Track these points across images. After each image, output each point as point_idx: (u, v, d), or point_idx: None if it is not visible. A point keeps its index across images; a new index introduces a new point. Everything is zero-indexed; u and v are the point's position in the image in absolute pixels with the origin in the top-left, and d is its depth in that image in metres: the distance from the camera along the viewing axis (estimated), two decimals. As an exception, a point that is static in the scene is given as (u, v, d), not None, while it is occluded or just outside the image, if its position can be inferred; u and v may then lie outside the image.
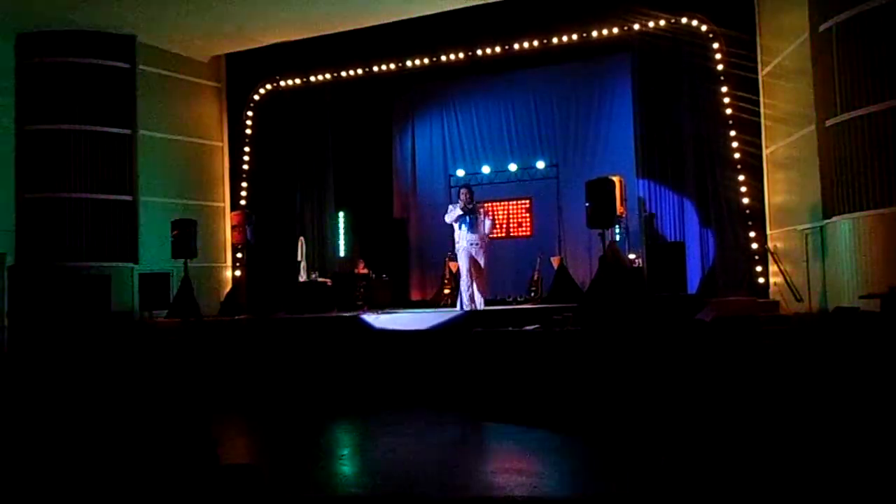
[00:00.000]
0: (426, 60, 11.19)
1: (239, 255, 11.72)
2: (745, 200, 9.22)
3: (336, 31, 10.91)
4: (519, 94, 12.43)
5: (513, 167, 12.18)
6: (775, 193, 9.11)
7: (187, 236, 10.31)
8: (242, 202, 11.91)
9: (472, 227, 9.46)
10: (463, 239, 9.51)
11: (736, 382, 5.74)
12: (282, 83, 12.04)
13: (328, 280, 11.45)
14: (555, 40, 10.39)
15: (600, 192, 8.84)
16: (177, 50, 11.47)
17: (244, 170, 12.05)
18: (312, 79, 11.86)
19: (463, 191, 9.62)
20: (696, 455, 5.14)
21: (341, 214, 12.74)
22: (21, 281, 9.86)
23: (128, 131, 10.71)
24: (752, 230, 9.18)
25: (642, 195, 10.39)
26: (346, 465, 5.47)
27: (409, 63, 11.26)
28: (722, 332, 6.24)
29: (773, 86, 9.00)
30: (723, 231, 9.49)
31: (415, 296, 12.82)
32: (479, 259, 9.49)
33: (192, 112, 11.88)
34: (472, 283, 9.49)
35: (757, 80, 9.23)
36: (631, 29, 9.98)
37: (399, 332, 8.71)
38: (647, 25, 9.88)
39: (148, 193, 10.88)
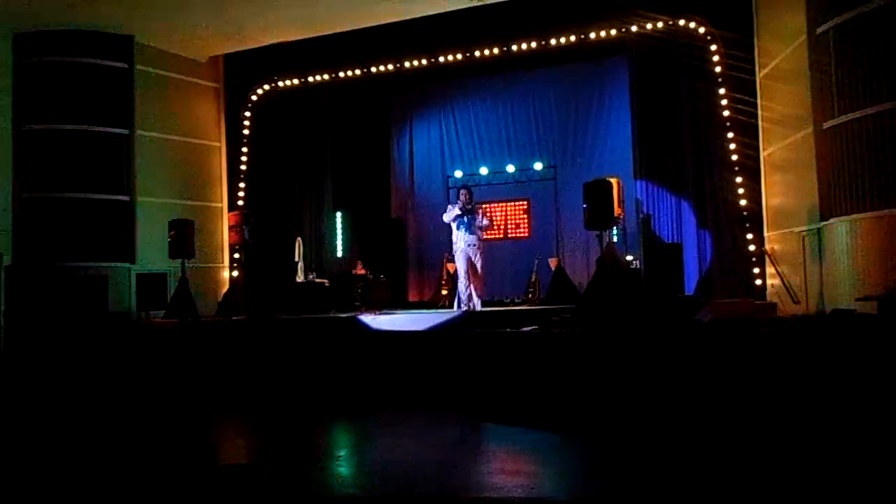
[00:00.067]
0: (424, 61, 11.21)
1: (236, 255, 11.72)
2: (743, 202, 9.24)
3: (334, 31, 10.91)
4: (517, 95, 12.44)
5: (511, 168, 12.19)
6: (773, 195, 9.13)
7: (184, 236, 10.31)
8: (240, 202, 11.92)
9: (470, 228, 9.48)
10: (461, 240, 9.53)
11: (733, 383, 5.75)
12: (280, 83, 12.05)
13: (326, 281, 11.45)
14: (553, 42, 10.41)
15: (598, 193, 8.85)
16: (175, 50, 11.46)
17: (242, 170, 12.05)
18: (310, 79, 11.87)
19: (463, 191, 9.64)
20: (695, 455, 5.14)
21: (339, 215, 12.75)
22: (18, 281, 9.84)
23: (125, 131, 10.70)
24: (749, 232, 9.20)
25: (640, 197, 10.41)
26: (344, 466, 5.46)
27: (407, 64, 11.27)
28: (719, 334, 6.24)
29: (770, 88, 9.02)
30: (720, 233, 9.51)
31: (412, 296, 12.83)
32: (476, 261, 9.50)
33: (189, 112, 11.87)
34: (469, 284, 9.50)
35: (755, 82, 9.25)
36: (629, 31, 10.00)
37: (397, 332, 8.71)
38: (644, 27, 9.90)
39: (145, 193, 10.87)
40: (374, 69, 11.47)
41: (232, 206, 11.97)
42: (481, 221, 9.57)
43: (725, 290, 9.10)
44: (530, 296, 11.01)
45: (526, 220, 12.30)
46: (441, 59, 11.07)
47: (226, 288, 11.72)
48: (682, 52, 9.76)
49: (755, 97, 9.22)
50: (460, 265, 9.57)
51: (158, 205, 10.99)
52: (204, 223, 11.46)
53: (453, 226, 9.61)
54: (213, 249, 11.93)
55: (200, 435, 6.66)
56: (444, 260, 11.44)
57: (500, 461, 5.57)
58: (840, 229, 7.07)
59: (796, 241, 8.14)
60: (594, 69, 11.78)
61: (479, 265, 9.52)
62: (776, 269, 8.73)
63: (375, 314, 9.55)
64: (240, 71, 12.12)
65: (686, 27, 9.62)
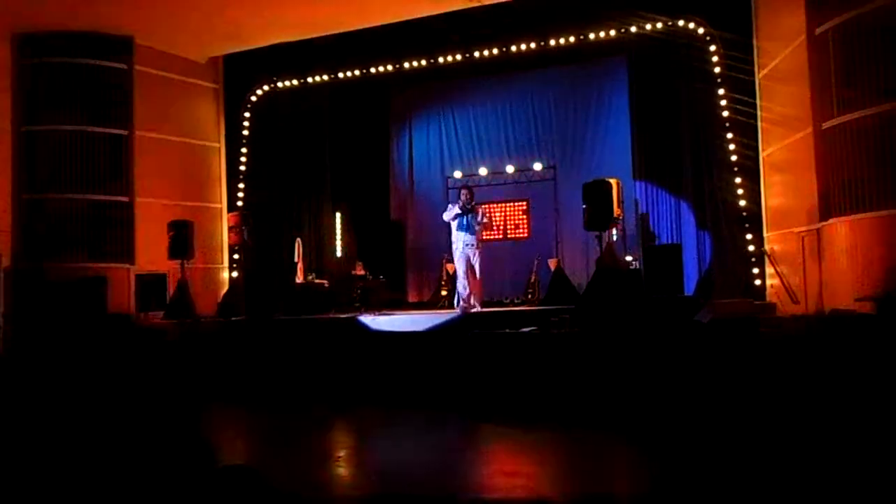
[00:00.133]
0: (423, 62, 11.21)
1: (236, 256, 11.71)
2: (742, 203, 9.23)
3: (333, 32, 10.91)
4: (516, 95, 12.42)
5: (510, 169, 12.18)
6: (772, 196, 9.13)
7: (184, 237, 10.31)
8: (239, 203, 11.90)
9: (470, 228, 9.48)
10: (459, 240, 9.53)
11: (732, 383, 5.76)
12: (279, 84, 12.04)
13: (325, 281, 11.45)
14: (552, 42, 10.41)
15: (597, 194, 8.86)
16: (174, 51, 11.46)
17: (241, 171, 12.04)
18: (310, 80, 11.87)
19: (464, 191, 9.64)
20: (696, 455, 5.14)
21: (338, 215, 12.74)
22: (17, 282, 9.84)
23: (125, 132, 10.70)
24: (748, 232, 9.19)
25: (639, 197, 10.41)
26: (344, 467, 5.46)
27: (406, 64, 11.27)
28: (719, 334, 6.25)
29: (770, 88, 9.02)
30: (720, 233, 9.51)
31: (412, 297, 12.81)
32: (474, 262, 9.49)
33: (189, 113, 11.87)
34: (468, 285, 9.50)
35: (754, 82, 9.24)
36: (628, 31, 9.99)
37: (396, 333, 8.71)
38: (644, 28, 9.90)
39: (145, 194, 10.86)
40: (373, 70, 11.47)
41: (231, 206, 11.96)
42: (481, 219, 9.57)
43: (725, 290, 9.09)
44: (530, 296, 11.01)
45: (525, 221, 12.29)
46: (440, 59, 11.07)
47: (225, 289, 11.71)
48: (681, 52, 9.76)
49: (754, 98, 9.22)
50: (459, 266, 9.57)
51: (158, 205, 10.99)
52: (203, 224, 11.45)
53: (453, 225, 9.61)
54: (212, 250, 11.92)
55: (200, 436, 6.65)
56: (444, 261, 11.43)
57: (499, 461, 5.57)
58: (839, 230, 7.08)
59: (796, 242, 8.14)
60: (593, 70, 11.77)
61: (477, 266, 9.50)
62: (775, 270, 8.73)
63: (375, 315, 9.55)
64: (239, 72, 12.12)
65: (685, 28, 9.61)
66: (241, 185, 12.01)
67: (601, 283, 8.70)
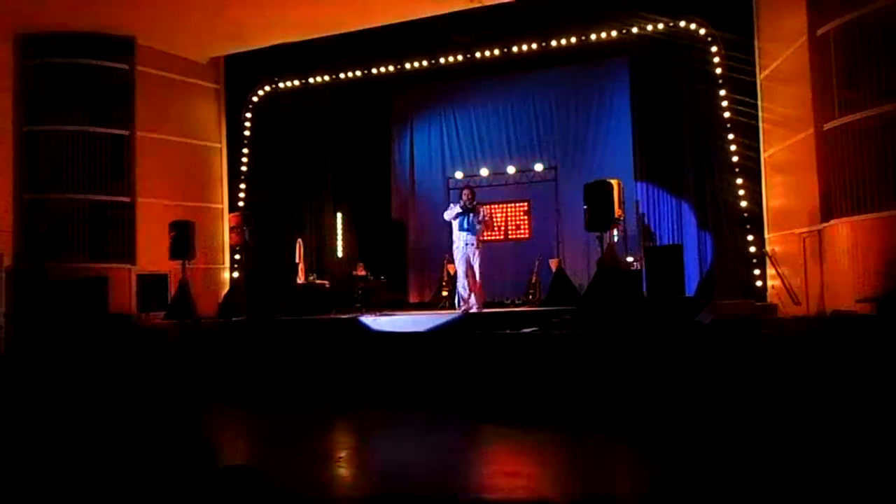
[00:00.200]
0: (425, 62, 11.22)
1: (237, 256, 11.72)
2: (744, 204, 9.23)
3: (335, 32, 10.91)
4: (517, 96, 12.43)
5: (511, 169, 12.19)
6: (773, 197, 9.13)
7: (185, 237, 10.32)
8: (241, 203, 11.91)
9: (470, 228, 9.47)
10: (460, 240, 9.52)
11: (734, 384, 5.75)
12: (280, 85, 12.05)
13: (326, 282, 11.45)
14: (553, 43, 10.41)
15: (598, 194, 8.85)
16: (176, 51, 11.47)
17: (242, 171, 12.06)
18: (311, 80, 11.88)
19: (465, 191, 9.63)
20: (696, 456, 5.14)
21: (339, 216, 12.75)
22: (19, 282, 9.85)
23: (126, 132, 10.71)
24: (750, 233, 9.19)
25: (640, 198, 10.40)
26: (345, 467, 5.46)
27: (407, 65, 11.28)
28: (720, 335, 6.25)
29: (771, 89, 9.02)
30: (721, 234, 9.51)
31: (413, 298, 12.82)
32: (474, 262, 9.47)
33: (190, 113, 11.88)
34: (468, 285, 9.49)
35: (755, 83, 9.25)
36: (629, 32, 9.99)
37: (397, 333, 8.71)
38: (645, 29, 9.90)
39: (146, 195, 10.88)
40: (374, 70, 11.48)
41: (232, 207, 11.97)
42: (482, 217, 9.56)
43: (726, 291, 9.09)
44: (531, 297, 11.02)
45: (526, 222, 12.30)
46: (441, 60, 11.08)
47: (226, 289, 11.72)
48: (682, 53, 9.76)
49: (756, 98, 9.22)
50: (459, 266, 9.56)
51: (159, 206, 11.00)
52: (204, 224, 11.46)
53: (454, 225, 9.61)
54: (213, 250, 11.92)
55: (201, 436, 6.66)
56: (445, 261, 11.44)
57: (500, 462, 5.57)
58: (841, 231, 7.07)
59: (797, 243, 8.14)
60: (595, 70, 11.78)
61: (476, 267, 9.47)
62: (777, 271, 8.73)
63: (376, 315, 9.55)
64: (240, 72, 12.13)
65: (686, 28, 9.62)
66: (243, 186, 12.02)
67: (602, 284, 8.70)
